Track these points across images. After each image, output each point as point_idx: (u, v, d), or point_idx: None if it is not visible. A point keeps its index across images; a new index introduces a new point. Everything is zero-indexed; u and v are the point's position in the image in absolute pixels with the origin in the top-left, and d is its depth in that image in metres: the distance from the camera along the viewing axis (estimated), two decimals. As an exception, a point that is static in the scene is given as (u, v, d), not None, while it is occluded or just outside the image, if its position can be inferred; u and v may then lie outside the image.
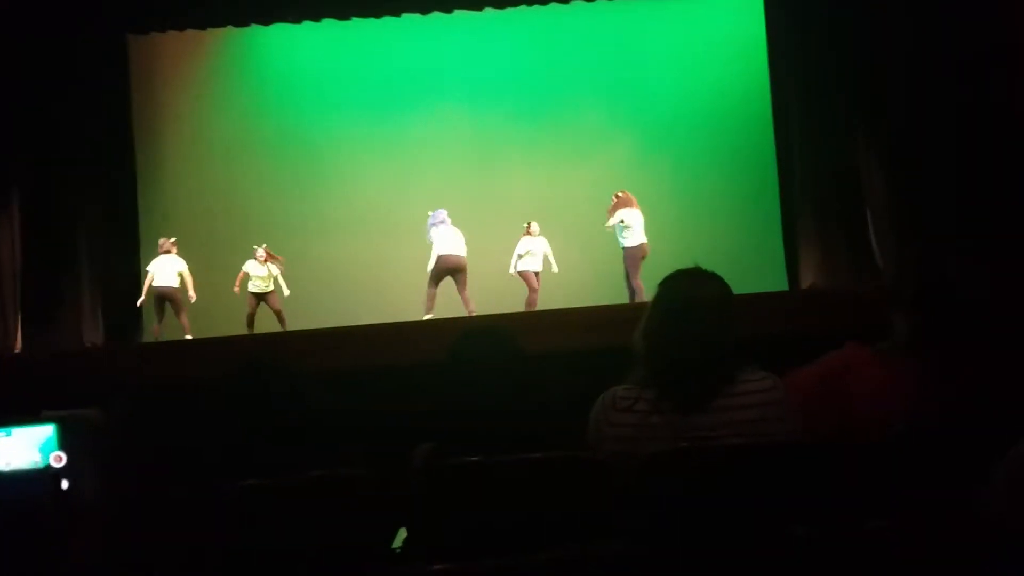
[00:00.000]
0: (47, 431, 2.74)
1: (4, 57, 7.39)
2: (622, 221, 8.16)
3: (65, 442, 2.71)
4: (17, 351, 7.44)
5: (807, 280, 8.10)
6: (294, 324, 8.52)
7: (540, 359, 2.42)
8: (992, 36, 6.37)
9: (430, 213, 8.49)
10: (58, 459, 2.72)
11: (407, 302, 8.48)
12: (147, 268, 8.54)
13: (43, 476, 2.69)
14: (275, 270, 8.81)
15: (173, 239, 8.63)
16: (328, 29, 8.94)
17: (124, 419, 2.60)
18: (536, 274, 8.59)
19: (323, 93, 9.77)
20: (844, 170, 7.79)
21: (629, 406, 2.12)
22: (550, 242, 8.80)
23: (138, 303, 8.52)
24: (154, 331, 8.52)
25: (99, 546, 1.74)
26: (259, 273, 8.75)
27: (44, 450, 2.73)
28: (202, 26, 8.92)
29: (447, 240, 8.33)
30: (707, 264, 2.26)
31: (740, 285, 2.65)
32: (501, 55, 9.78)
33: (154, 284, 8.43)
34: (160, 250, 8.57)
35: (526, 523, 1.99)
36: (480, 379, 2.25)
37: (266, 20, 8.54)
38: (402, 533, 2.27)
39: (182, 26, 8.78)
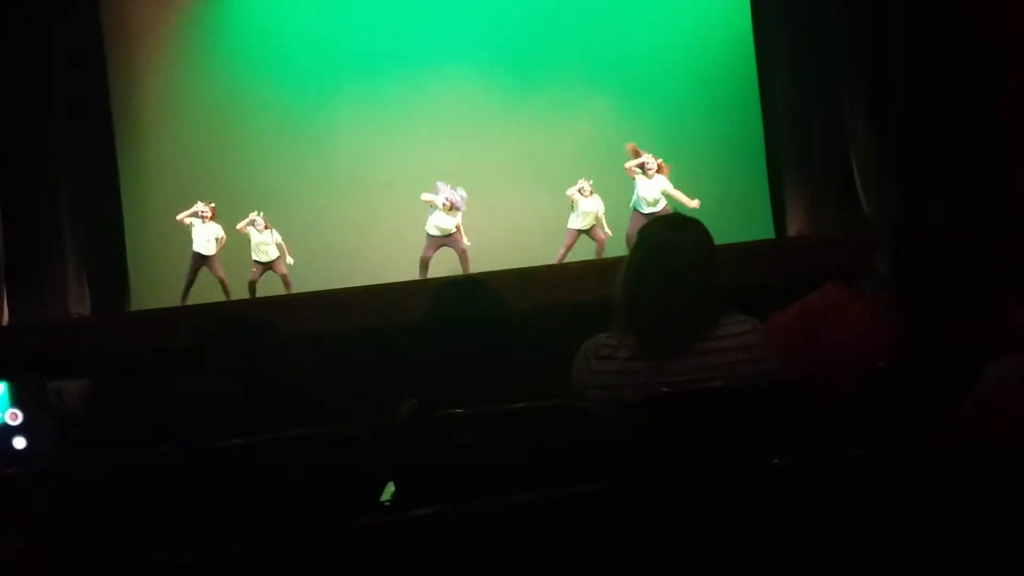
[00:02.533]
0: (-1, 389, 2.69)
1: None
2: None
3: (20, 400, 2.68)
4: (3, 323, 7.41)
5: (794, 229, 8.12)
6: (280, 287, 8.52)
7: (526, 313, 2.42)
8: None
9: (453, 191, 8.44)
10: (13, 416, 2.69)
11: (395, 263, 8.45)
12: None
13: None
14: (277, 236, 8.74)
15: (212, 204, 8.53)
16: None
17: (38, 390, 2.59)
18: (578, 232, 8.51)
19: (305, 54, 9.62)
20: (829, 117, 7.77)
21: (610, 353, 2.13)
22: (536, 199, 8.82)
23: (179, 217, 8.47)
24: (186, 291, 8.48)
25: (59, 507, 1.73)
26: (263, 240, 8.67)
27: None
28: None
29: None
30: (694, 215, 2.26)
31: (727, 235, 2.64)
32: (483, 11, 9.67)
33: (193, 249, 8.44)
34: (202, 217, 8.51)
35: (512, 473, 2.00)
36: (463, 333, 2.25)
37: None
38: (390, 487, 2.28)
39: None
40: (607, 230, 8.41)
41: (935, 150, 6.70)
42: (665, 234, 2.19)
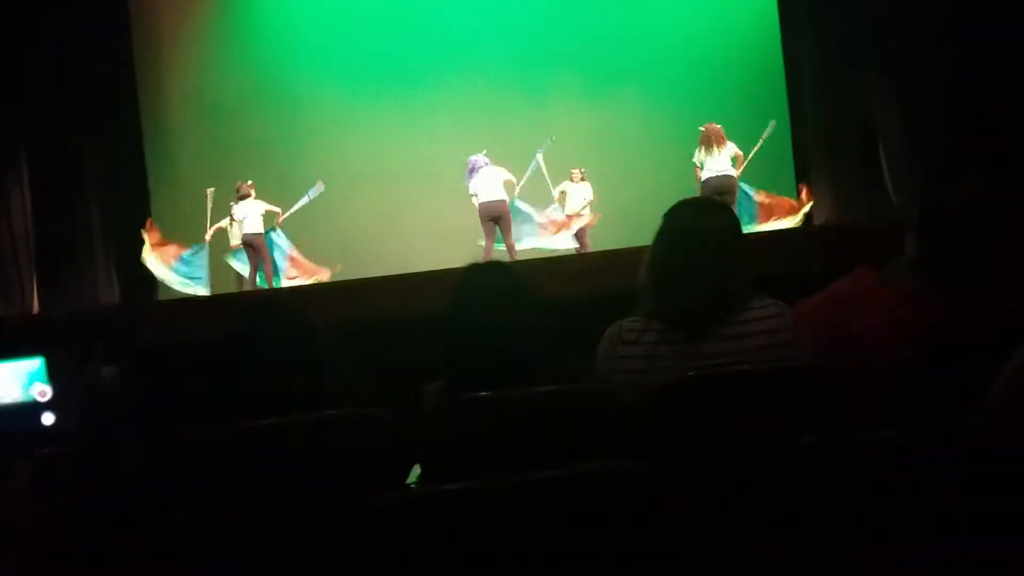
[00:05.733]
0: (34, 364, 2.66)
1: (4, 13, 7.34)
2: (702, 164, 7.90)
3: (52, 376, 2.66)
4: (34, 312, 7.49)
5: (821, 218, 8.06)
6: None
7: (550, 300, 2.42)
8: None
9: (468, 160, 8.35)
10: (42, 393, 2.67)
11: (418, 253, 8.47)
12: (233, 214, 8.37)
13: (27, 409, 2.63)
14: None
15: (250, 182, 8.42)
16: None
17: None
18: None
19: (329, 44, 9.66)
20: (856, 106, 7.69)
21: (636, 338, 2.12)
22: (562, 189, 8.85)
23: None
24: (248, 280, 8.42)
25: (85, 482, 1.75)
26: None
27: (29, 384, 2.66)
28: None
29: (483, 187, 8.19)
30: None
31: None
32: (510, 6, 9.67)
33: (244, 232, 8.26)
34: (238, 194, 8.34)
35: (536, 456, 2.00)
36: (486, 315, 2.24)
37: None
38: (416, 470, 2.29)
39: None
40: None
41: (964, 135, 6.62)
42: (691, 217, 2.18)
